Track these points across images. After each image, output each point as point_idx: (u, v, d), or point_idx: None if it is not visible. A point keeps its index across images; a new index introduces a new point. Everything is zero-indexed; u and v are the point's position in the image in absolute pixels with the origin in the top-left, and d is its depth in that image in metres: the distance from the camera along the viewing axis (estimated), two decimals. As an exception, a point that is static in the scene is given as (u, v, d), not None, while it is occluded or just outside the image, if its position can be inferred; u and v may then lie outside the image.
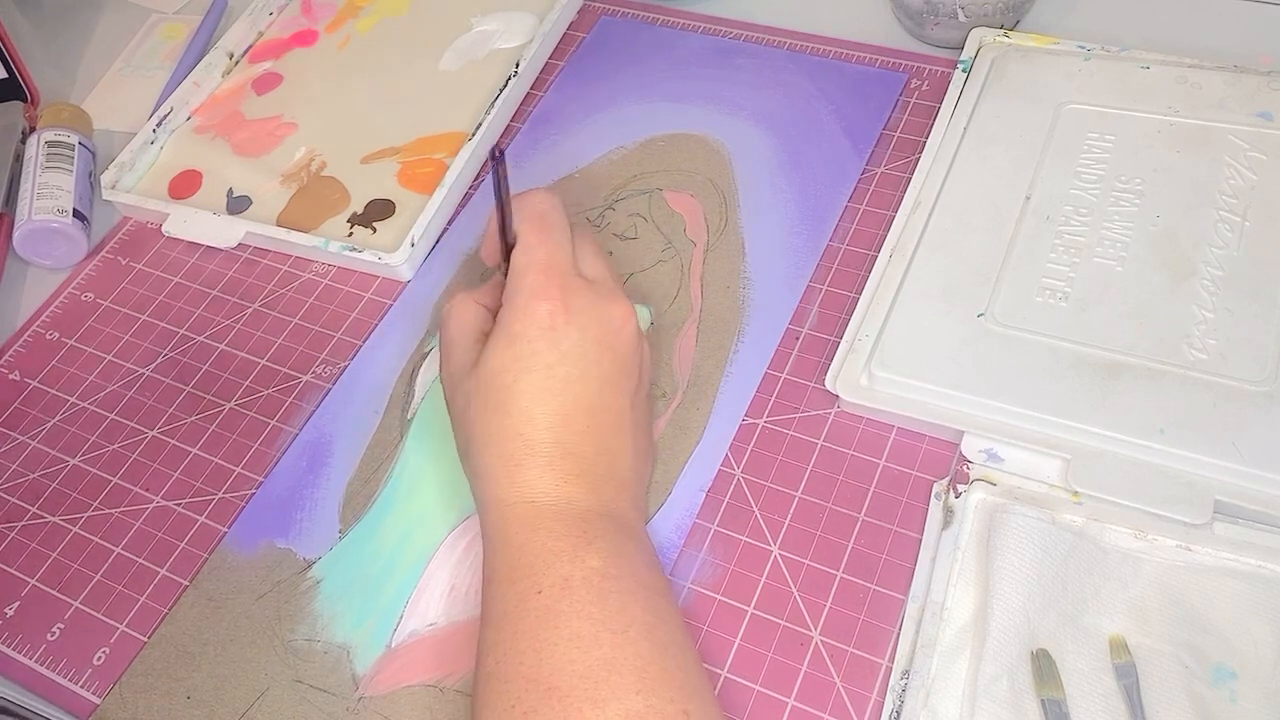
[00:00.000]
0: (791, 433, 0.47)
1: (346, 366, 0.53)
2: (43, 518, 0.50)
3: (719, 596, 0.43)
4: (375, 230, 0.58)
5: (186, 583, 0.47)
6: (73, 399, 0.54)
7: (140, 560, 0.48)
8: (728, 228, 0.54)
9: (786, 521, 0.45)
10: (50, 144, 0.61)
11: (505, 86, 0.61)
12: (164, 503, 0.50)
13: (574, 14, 0.66)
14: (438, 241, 0.57)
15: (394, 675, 0.43)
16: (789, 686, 0.41)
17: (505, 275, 0.43)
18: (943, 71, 0.59)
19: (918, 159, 0.54)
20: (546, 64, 0.64)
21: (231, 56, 0.68)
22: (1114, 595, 0.41)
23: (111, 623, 0.47)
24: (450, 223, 0.58)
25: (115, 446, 0.52)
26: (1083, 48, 0.56)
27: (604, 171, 0.58)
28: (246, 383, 0.53)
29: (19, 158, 0.63)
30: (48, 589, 0.48)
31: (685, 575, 0.44)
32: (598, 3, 0.67)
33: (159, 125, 0.64)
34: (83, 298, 0.59)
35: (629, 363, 0.43)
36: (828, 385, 0.47)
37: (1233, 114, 0.52)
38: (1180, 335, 0.45)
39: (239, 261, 0.59)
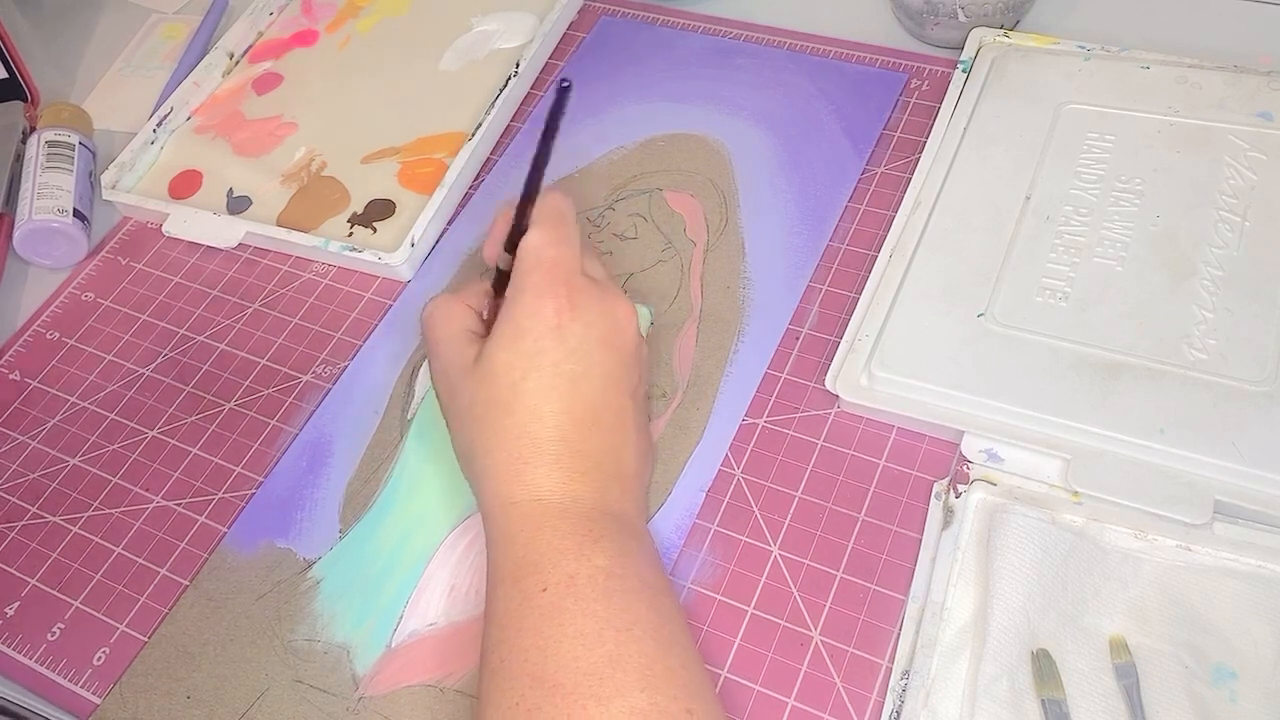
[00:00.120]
0: (791, 433, 0.47)
1: (346, 366, 0.53)
2: (43, 518, 0.50)
3: (719, 596, 0.43)
4: (375, 230, 0.58)
5: (186, 583, 0.47)
6: (73, 399, 0.54)
7: (140, 560, 0.48)
8: (728, 228, 0.55)
9: (786, 521, 0.45)
10: (50, 144, 0.61)
11: (505, 86, 0.61)
12: (164, 503, 0.50)
13: (574, 14, 0.66)
14: (438, 241, 0.57)
15: (394, 675, 0.43)
16: (789, 686, 0.41)
17: (507, 268, 0.43)
18: (943, 71, 0.59)
19: (918, 159, 0.54)
20: (546, 64, 0.64)
21: (232, 56, 0.68)
22: (1114, 595, 0.41)
23: (111, 623, 0.47)
24: (450, 223, 0.58)
25: (115, 446, 0.52)
26: (1083, 48, 0.56)
27: (604, 171, 0.58)
28: (246, 383, 0.53)
29: (19, 158, 0.63)
30: (48, 589, 0.48)
31: (685, 575, 0.44)
32: (598, 3, 0.67)
33: (159, 125, 0.64)
34: (83, 298, 0.59)
35: (631, 361, 0.43)
36: (828, 385, 0.47)
37: (1233, 114, 0.52)
38: (1180, 335, 0.45)
39: (239, 261, 0.59)
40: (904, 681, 0.40)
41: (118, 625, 0.47)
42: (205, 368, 0.54)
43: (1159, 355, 0.45)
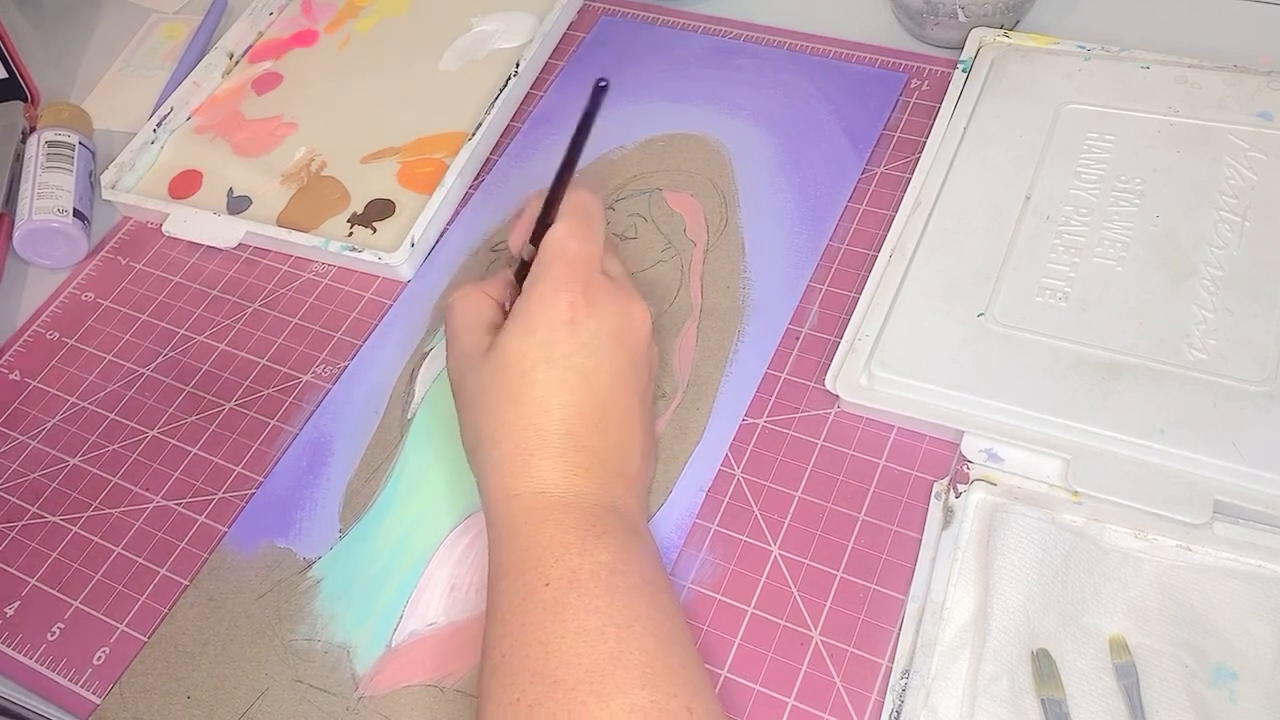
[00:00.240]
0: (791, 433, 0.47)
1: (346, 366, 0.53)
2: (43, 518, 0.50)
3: (719, 596, 0.43)
4: (375, 230, 0.58)
5: (186, 582, 0.47)
6: (73, 399, 0.54)
7: (140, 560, 0.48)
8: (728, 228, 0.55)
9: (786, 521, 0.45)
10: (50, 144, 0.61)
11: (505, 86, 0.61)
12: (164, 503, 0.50)
13: (574, 14, 0.66)
14: (438, 241, 0.57)
15: (394, 675, 0.43)
16: (789, 686, 0.41)
17: (530, 259, 0.43)
18: (943, 71, 0.59)
19: (918, 159, 0.54)
20: (546, 64, 0.64)
21: (231, 56, 0.68)
22: (1114, 595, 0.41)
23: (111, 622, 0.47)
24: (450, 223, 0.58)
25: (115, 446, 0.52)
26: (1083, 48, 0.56)
27: (604, 171, 0.58)
28: (246, 383, 0.53)
29: (19, 157, 0.63)
30: (48, 589, 0.48)
31: (685, 575, 0.44)
32: (598, 3, 0.67)
33: (159, 125, 0.64)
34: (83, 297, 0.59)
35: (641, 360, 0.43)
36: (828, 385, 0.47)
37: (1233, 114, 0.52)
38: (1180, 335, 0.45)
39: (239, 261, 0.59)
40: (904, 681, 0.40)
41: (118, 625, 0.47)
42: (205, 368, 0.54)
43: (1159, 355, 0.45)
